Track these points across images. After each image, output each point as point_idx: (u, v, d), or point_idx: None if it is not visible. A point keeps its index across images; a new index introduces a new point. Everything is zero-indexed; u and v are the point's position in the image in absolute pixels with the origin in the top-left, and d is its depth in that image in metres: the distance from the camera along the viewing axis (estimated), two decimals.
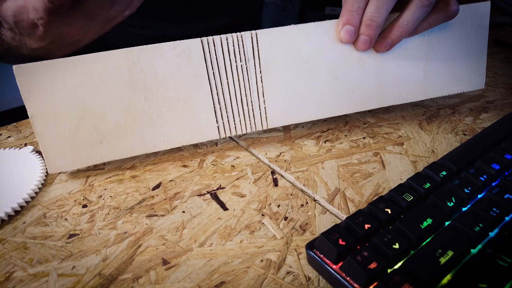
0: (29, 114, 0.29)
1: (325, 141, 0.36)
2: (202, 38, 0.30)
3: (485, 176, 0.27)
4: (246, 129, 0.33)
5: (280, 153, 0.35)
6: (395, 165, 0.33)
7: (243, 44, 0.31)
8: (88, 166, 0.34)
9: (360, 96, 0.35)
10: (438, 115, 0.40)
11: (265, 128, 0.34)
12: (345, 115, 0.41)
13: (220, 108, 0.32)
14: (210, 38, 0.30)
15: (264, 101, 0.33)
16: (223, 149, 0.36)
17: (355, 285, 0.21)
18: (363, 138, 0.37)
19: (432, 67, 0.36)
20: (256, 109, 0.33)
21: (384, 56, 0.34)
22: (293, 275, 0.24)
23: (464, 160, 0.29)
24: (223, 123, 0.33)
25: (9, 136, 0.39)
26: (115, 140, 0.31)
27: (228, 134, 0.33)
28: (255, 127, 0.34)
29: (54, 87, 0.29)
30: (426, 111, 0.41)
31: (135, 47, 0.29)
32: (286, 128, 0.39)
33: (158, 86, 0.30)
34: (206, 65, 0.31)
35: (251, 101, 0.32)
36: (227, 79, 0.31)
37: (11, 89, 1.75)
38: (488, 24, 0.37)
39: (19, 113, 0.49)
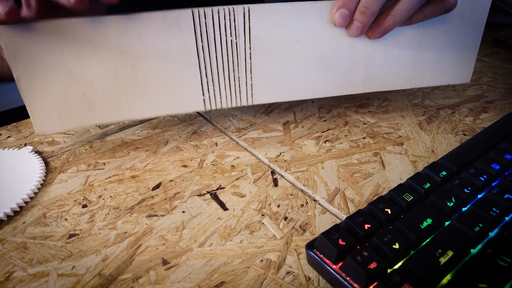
0: (14, 76, 0.28)
1: (325, 141, 0.36)
2: (193, 8, 0.29)
3: (485, 176, 0.27)
4: (231, 104, 0.33)
5: (280, 153, 0.35)
6: (395, 165, 0.33)
7: (234, 19, 0.30)
8: (88, 168, 0.34)
9: (347, 80, 0.35)
10: (438, 115, 0.40)
11: (250, 103, 0.34)
12: (345, 114, 0.41)
13: (207, 81, 0.32)
14: (201, 9, 0.29)
15: (251, 78, 0.33)
16: (223, 149, 0.36)
17: (355, 285, 0.21)
18: (363, 138, 0.37)
19: (422, 57, 0.36)
20: (243, 85, 0.33)
21: (376, 43, 0.34)
22: (293, 275, 0.24)
23: (464, 160, 0.29)
24: (209, 96, 0.33)
25: (9, 136, 0.39)
26: (103, 106, 0.31)
27: (214, 107, 0.33)
28: (240, 102, 0.33)
29: (41, 50, 0.28)
30: (426, 111, 0.41)
31: (125, 15, 0.29)
32: (286, 128, 0.39)
33: (146, 56, 0.30)
34: (196, 37, 0.30)
35: (238, 77, 0.32)
36: (215, 53, 0.31)
37: (11, 89, 1.74)
38: (486, 18, 0.37)
39: (19, 113, 0.49)
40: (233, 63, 0.32)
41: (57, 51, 0.29)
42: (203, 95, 0.32)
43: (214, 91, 0.32)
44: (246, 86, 0.33)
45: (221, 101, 0.33)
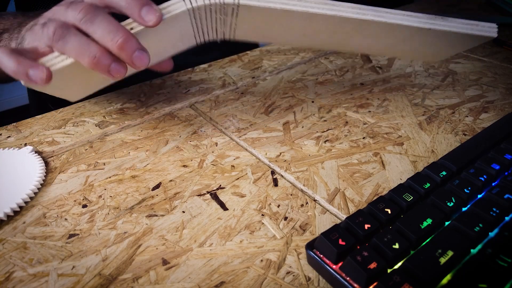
0: (48, 93, 0.33)
1: (325, 141, 0.36)
2: (188, 8, 0.31)
3: (485, 176, 0.27)
4: (216, 37, 0.38)
5: (280, 153, 0.35)
6: (395, 165, 0.33)
7: (225, 10, 0.33)
8: (88, 168, 0.34)
9: (321, 44, 0.40)
10: (438, 115, 0.40)
11: (232, 37, 0.38)
12: (345, 114, 0.41)
13: (198, 35, 0.36)
14: (196, 8, 0.32)
15: (234, 30, 0.37)
16: (223, 149, 0.36)
17: (355, 285, 0.21)
18: (363, 138, 0.37)
19: (401, 45, 0.39)
20: (227, 35, 0.37)
21: (364, 36, 0.37)
22: (293, 275, 0.24)
23: (464, 160, 0.29)
24: (199, 38, 0.37)
25: (9, 136, 0.39)
26: None
27: (202, 41, 0.38)
28: (223, 37, 0.38)
29: (63, 83, 0.32)
30: (426, 111, 0.41)
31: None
32: (286, 128, 0.39)
33: (152, 39, 0.33)
34: (191, 21, 0.33)
35: (223, 31, 0.37)
36: (206, 21, 0.34)
37: (11, 89, 1.75)
38: (476, 45, 0.40)
39: (19, 113, 0.49)
40: (220, 25, 0.36)
41: (77, 72, 0.31)
42: (195, 40, 0.37)
43: (203, 37, 0.37)
44: (229, 34, 0.37)
45: (208, 38, 0.38)
